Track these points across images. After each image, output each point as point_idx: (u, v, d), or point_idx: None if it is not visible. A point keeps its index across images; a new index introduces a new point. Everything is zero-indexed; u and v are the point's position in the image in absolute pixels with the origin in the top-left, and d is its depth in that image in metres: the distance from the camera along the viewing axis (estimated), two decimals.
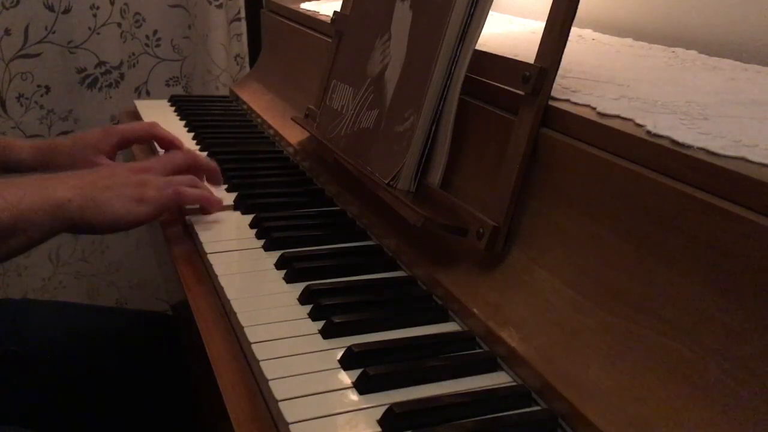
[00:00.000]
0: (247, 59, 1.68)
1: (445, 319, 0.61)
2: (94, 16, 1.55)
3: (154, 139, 0.98)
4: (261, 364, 0.53)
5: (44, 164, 0.91)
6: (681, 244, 0.46)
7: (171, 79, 1.68)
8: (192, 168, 0.84)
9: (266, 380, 0.51)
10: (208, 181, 0.86)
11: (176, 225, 0.81)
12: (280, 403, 0.48)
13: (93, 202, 0.70)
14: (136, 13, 1.60)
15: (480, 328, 0.57)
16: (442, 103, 0.67)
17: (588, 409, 0.46)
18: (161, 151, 1.00)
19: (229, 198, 0.85)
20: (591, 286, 0.52)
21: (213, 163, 0.87)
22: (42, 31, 1.52)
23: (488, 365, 0.55)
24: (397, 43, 0.75)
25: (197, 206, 0.80)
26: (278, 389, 0.50)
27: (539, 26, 0.61)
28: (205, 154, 1.02)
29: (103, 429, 0.90)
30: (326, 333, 0.57)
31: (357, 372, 0.52)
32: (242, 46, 1.67)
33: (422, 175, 0.69)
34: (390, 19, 0.78)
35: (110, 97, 1.61)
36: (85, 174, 0.74)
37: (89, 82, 1.59)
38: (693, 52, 0.84)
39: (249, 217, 0.80)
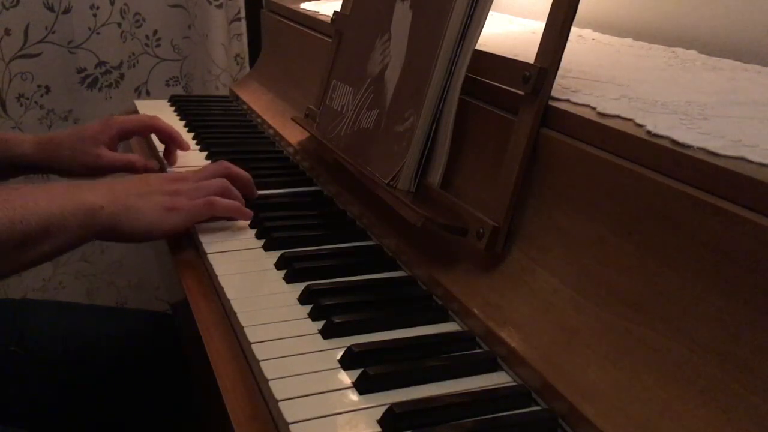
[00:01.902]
0: (247, 59, 1.68)
1: (445, 319, 0.61)
2: (94, 16, 1.55)
3: (153, 131, 0.98)
4: (261, 364, 0.53)
5: (45, 157, 0.92)
6: (681, 244, 0.46)
7: (171, 79, 1.68)
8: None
9: (266, 380, 0.51)
10: (241, 191, 0.82)
11: None
12: (280, 403, 0.48)
13: (124, 209, 0.68)
14: (136, 13, 1.60)
15: (480, 328, 0.57)
16: (442, 103, 0.67)
17: (588, 409, 0.46)
18: (160, 145, 1.00)
19: None
20: (591, 286, 0.52)
21: (246, 174, 0.83)
22: (42, 31, 1.52)
23: (488, 365, 0.55)
24: (397, 43, 0.75)
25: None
26: (278, 389, 0.50)
27: (539, 26, 0.61)
28: (205, 154, 1.02)
29: (103, 429, 0.90)
30: (326, 333, 0.57)
31: (357, 372, 0.52)
32: (242, 46, 1.67)
33: (422, 175, 0.69)
34: (390, 19, 0.78)
35: (110, 97, 1.61)
36: (118, 181, 0.73)
37: (89, 82, 1.59)
38: (693, 52, 0.84)
39: None
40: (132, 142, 1.11)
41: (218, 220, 0.77)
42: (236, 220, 0.78)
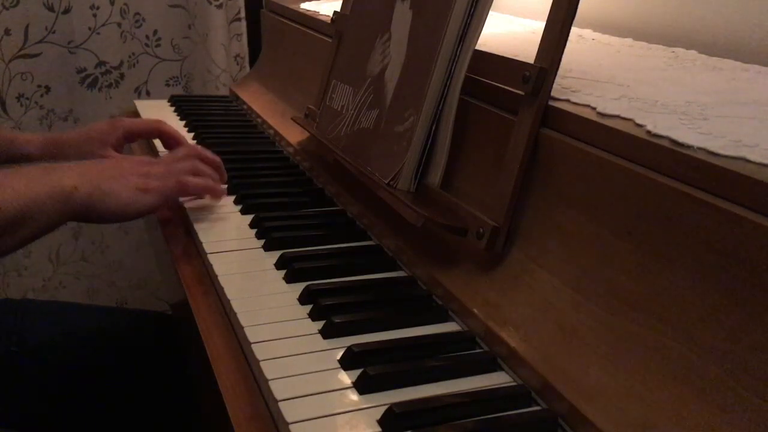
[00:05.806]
0: (247, 59, 1.68)
1: (445, 319, 0.61)
2: (94, 16, 1.55)
3: (159, 135, 0.99)
4: (261, 364, 0.53)
5: (51, 158, 0.91)
6: (681, 243, 0.46)
7: (171, 79, 1.68)
8: None
9: (266, 380, 0.51)
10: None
11: (176, 225, 0.81)
12: (280, 403, 0.48)
13: (99, 190, 0.70)
14: (136, 13, 1.60)
15: (480, 328, 0.57)
16: (442, 103, 0.67)
17: (588, 409, 0.46)
18: (162, 150, 1.00)
19: (229, 198, 0.85)
20: (591, 286, 0.52)
21: (217, 158, 0.85)
22: (42, 31, 1.52)
23: (488, 365, 0.55)
24: (397, 43, 0.75)
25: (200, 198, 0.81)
26: (278, 389, 0.50)
27: (539, 26, 0.61)
28: None
29: (102, 429, 0.90)
30: (326, 333, 0.57)
31: (357, 372, 0.52)
32: (242, 46, 1.67)
33: (422, 175, 0.69)
34: (390, 19, 0.78)
35: (110, 97, 1.61)
36: (91, 164, 0.74)
37: (89, 82, 1.59)
38: (693, 52, 0.84)
39: (249, 217, 0.80)
40: (133, 143, 1.11)
41: (194, 199, 0.82)
42: (214, 198, 0.81)
